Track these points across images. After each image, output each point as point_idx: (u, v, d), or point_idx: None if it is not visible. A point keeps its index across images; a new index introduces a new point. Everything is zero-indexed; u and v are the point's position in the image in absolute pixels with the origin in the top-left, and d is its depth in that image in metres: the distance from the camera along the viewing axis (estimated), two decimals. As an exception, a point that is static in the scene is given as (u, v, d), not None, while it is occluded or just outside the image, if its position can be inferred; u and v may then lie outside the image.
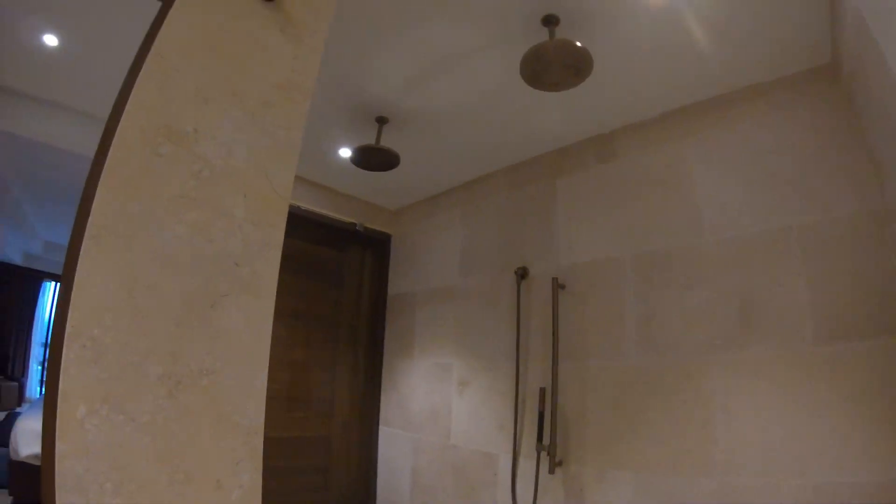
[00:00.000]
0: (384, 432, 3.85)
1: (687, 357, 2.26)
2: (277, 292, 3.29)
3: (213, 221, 1.03)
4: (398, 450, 3.69)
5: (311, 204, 3.57)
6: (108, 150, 0.91)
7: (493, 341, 3.05)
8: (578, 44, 1.87)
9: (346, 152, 3.02)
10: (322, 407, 3.72)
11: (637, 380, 2.39)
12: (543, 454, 2.61)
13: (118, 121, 0.93)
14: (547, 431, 2.60)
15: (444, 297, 3.42)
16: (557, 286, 2.66)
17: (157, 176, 0.97)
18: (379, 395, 3.90)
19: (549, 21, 1.95)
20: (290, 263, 3.48)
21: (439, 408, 3.35)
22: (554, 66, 1.94)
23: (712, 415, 2.15)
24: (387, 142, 2.71)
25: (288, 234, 3.22)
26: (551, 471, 2.55)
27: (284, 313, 3.46)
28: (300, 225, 3.58)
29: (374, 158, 2.69)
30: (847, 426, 1.86)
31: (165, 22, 1.01)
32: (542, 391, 2.64)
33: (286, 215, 1.14)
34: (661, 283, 2.38)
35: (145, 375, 0.91)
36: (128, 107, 0.95)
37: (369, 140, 2.71)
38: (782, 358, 2.02)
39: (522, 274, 2.90)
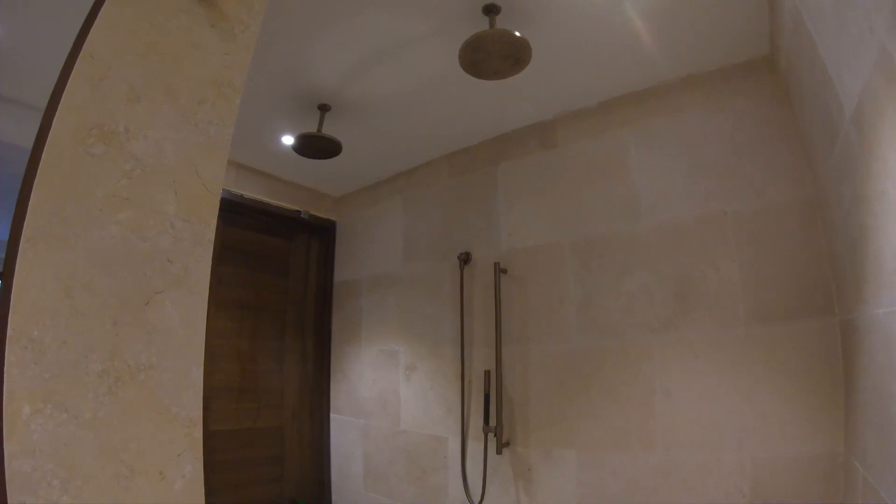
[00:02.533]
0: (335, 420, 3.86)
1: (626, 339, 2.34)
2: (224, 284, 3.26)
3: (146, 219, 1.04)
4: (349, 437, 3.71)
5: (256, 192, 3.53)
6: (41, 151, 0.91)
7: (438, 326, 3.09)
8: (517, 34, 1.89)
9: (288, 140, 3.00)
10: (272, 397, 3.70)
11: (579, 362, 2.47)
12: (491, 436, 2.67)
13: (51, 121, 0.93)
14: (493, 413, 2.67)
15: (388, 284, 3.44)
16: (499, 271, 2.71)
17: (90, 176, 0.97)
18: (328, 383, 3.91)
19: (490, 10, 1.97)
20: (236, 254, 3.47)
21: (388, 394, 3.39)
22: (493, 55, 1.96)
23: (652, 394, 2.24)
24: (329, 129, 2.70)
25: (233, 223, 3.21)
26: (499, 451, 2.61)
27: (230, 304, 3.43)
28: (245, 214, 3.54)
29: (316, 146, 2.67)
30: (782, 402, 1.96)
31: (96, 21, 1.00)
32: (487, 374, 2.70)
33: (217, 210, 1.15)
34: (601, 267, 2.46)
35: (86, 373, 0.92)
36: (60, 108, 0.95)
37: (312, 128, 2.69)
38: (718, 338, 2.11)
39: (465, 259, 2.94)
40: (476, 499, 2.77)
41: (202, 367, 1.09)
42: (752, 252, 2.08)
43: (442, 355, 3.06)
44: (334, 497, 3.88)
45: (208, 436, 3.16)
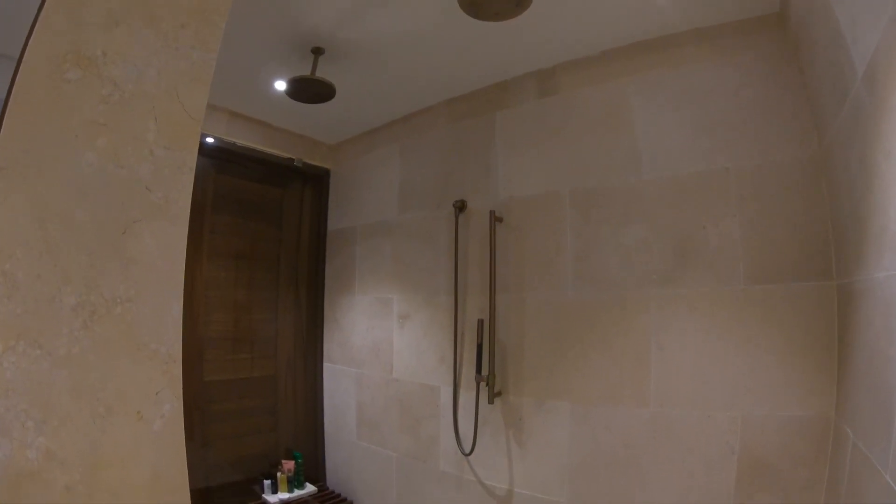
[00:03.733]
0: (328, 369, 3.87)
1: (623, 291, 2.32)
2: (217, 233, 3.21)
3: (124, 146, 0.99)
4: (343, 386, 3.73)
5: (249, 140, 3.46)
6: (14, 78, 0.87)
7: (433, 275, 3.07)
8: (519, -30, 1.82)
9: (281, 85, 2.91)
10: (266, 347, 3.71)
11: (574, 313, 2.45)
12: (483, 385, 2.67)
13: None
14: (486, 363, 2.66)
15: (383, 232, 3.41)
16: (495, 219, 2.68)
17: (66, 102, 0.93)
18: (322, 332, 3.91)
19: (492, -53, 1.88)
20: (228, 203, 3.43)
21: (381, 342, 3.39)
22: (494, -6, 1.89)
23: (647, 348, 2.23)
24: (323, 74, 2.63)
25: (225, 171, 3.15)
26: (490, 401, 2.62)
27: (224, 254, 3.41)
28: (238, 162, 3.49)
29: (309, 90, 2.60)
30: (776, 363, 1.96)
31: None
32: (480, 323, 2.69)
33: (199, 138, 1.11)
34: (599, 218, 2.42)
35: (60, 308, 0.88)
36: (34, 34, 0.90)
37: (305, 73, 2.62)
38: (715, 295, 2.09)
39: (461, 207, 2.90)
40: (467, 448, 2.79)
41: (182, 300, 1.05)
42: (754, 210, 2.04)
43: (436, 304, 3.05)
44: (328, 447, 3.92)
45: (203, 386, 3.21)
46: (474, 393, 2.74)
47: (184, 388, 2.97)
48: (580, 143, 2.53)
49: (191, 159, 1.09)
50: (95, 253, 0.94)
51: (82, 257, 0.92)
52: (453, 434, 2.88)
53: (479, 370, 2.69)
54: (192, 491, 2.94)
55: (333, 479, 3.87)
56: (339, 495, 3.68)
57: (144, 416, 0.99)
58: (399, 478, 3.30)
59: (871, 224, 1.36)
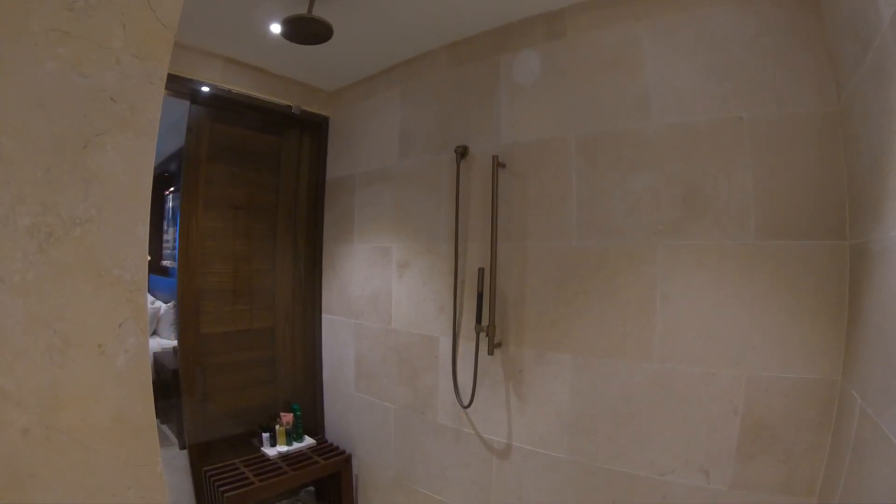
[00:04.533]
0: (327, 320, 3.83)
1: (629, 241, 2.23)
2: (213, 183, 3.12)
3: (87, 54, 0.89)
4: (341, 337, 3.69)
5: (244, 87, 3.35)
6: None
7: (433, 223, 2.99)
8: None
9: (277, 28, 2.80)
10: (264, 298, 3.66)
11: (578, 262, 2.38)
12: (482, 335, 2.62)
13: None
14: (486, 313, 2.60)
15: (383, 179, 3.31)
16: (497, 165, 2.58)
17: (25, 9, 0.84)
18: (320, 282, 3.85)
19: None
20: (224, 152, 3.34)
21: (380, 292, 3.32)
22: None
23: (652, 300, 2.16)
24: (321, 14, 2.51)
25: (220, 120, 3.06)
26: (490, 352, 2.57)
27: (221, 204, 3.35)
28: (233, 110, 3.38)
29: (305, 30, 2.48)
30: (785, 323, 1.89)
31: None
32: (481, 272, 2.62)
33: (171, 48, 1.01)
34: (606, 165, 2.32)
35: (13, 229, 0.80)
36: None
37: (302, 11, 2.50)
38: (725, 248, 2.00)
39: (462, 153, 2.80)
40: (466, 400, 2.75)
41: (148, 223, 0.96)
42: (767, 163, 1.94)
43: (436, 252, 2.97)
44: (326, 399, 3.90)
45: (201, 339, 3.17)
46: (474, 344, 2.68)
47: (182, 341, 2.96)
48: (587, 88, 2.41)
49: (161, 70, 0.99)
50: (53, 169, 0.85)
51: (38, 173, 0.83)
52: (452, 386, 2.84)
53: (479, 320, 2.63)
54: (190, 446, 2.94)
55: (332, 432, 3.87)
56: (337, 448, 3.67)
57: (106, 351, 0.91)
58: (397, 430, 3.28)
59: (891, 181, 1.28)
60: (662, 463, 2.15)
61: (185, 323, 3.29)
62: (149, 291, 6.80)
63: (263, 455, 3.48)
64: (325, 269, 3.81)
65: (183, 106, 3.20)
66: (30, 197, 0.82)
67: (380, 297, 3.32)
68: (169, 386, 5.09)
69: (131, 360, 0.94)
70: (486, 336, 2.57)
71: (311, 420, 3.90)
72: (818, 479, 1.82)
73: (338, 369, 3.75)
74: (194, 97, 3.17)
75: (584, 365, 2.36)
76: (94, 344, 0.90)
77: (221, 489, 3.04)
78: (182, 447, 3.46)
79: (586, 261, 2.35)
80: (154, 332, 6.42)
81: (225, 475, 3.21)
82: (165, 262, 7.05)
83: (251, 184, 3.55)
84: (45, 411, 0.83)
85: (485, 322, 2.59)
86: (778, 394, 1.90)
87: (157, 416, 5.39)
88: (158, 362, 5.56)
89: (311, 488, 3.86)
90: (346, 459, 3.59)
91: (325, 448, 3.66)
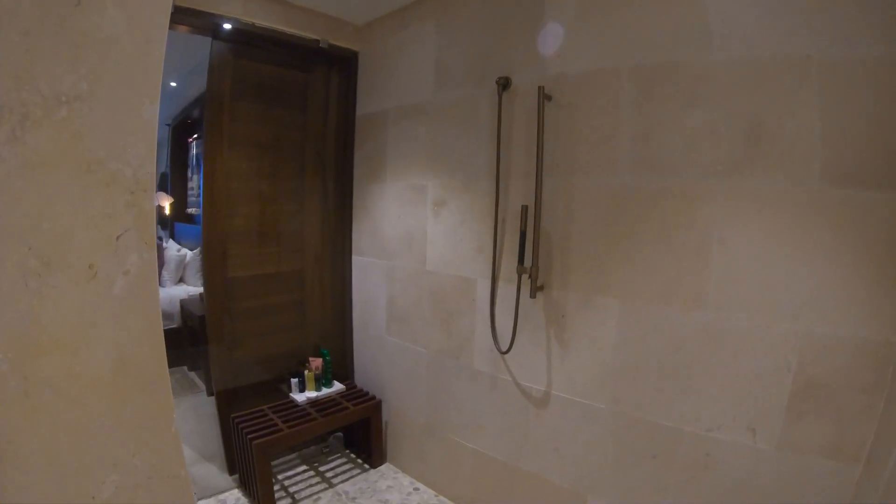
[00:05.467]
0: (357, 262, 3.69)
1: (685, 180, 2.02)
2: (238, 121, 2.90)
3: None
4: (372, 280, 3.55)
5: (268, 21, 3.14)
6: None
7: (471, 158, 2.79)
8: None
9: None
10: (293, 240, 3.54)
11: (629, 201, 2.17)
12: (524, 277, 2.45)
13: None
14: (529, 253, 2.42)
15: (416, 114, 3.10)
16: (544, 96, 2.36)
17: None
18: (350, 223, 3.70)
19: None
20: (248, 89, 3.15)
21: (414, 232, 3.16)
22: None
23: (708, 245, 1.97)
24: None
25: (244, 55, 2.86)
26: (532, 295, 2.40)
27: (246, 143, 3.20)
28: (257, 45, 3.18)
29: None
30: (846, 277, 1.72)
31: None
32: (524, 209, 2.43)
33: None
34: (662, 98, 2.08)
35: (-23, 110, 0.59)
36: None
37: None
38: (787, 193, 1.80)
39: (504, 84, 2.57)
40: (504, 345, 2.60)
41: (158, 101, 0.75)
42: (836, 105, 1.71)
43: (475, 189, 2.79)
44: (356, 344, 3.80)
45: (228, 283, 3.22)
46: (514, 286, 2.52)
47: (208, 286, 2.78)
48: (643, 15, 2.15)
49: None
50: (34, 31, 0.64)
51: (14, 38, 0.62)
52: (489, 330, 2.69)
53: (521, 261, 2.45)
54: (218, 393, 2.83)
55: (362, 377, 3.79)
56: (367, 393, 3.58)
57: (99, 273, 0.70)
58: (429, 375, 3.17)
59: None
60: (708, 418, 2.02)
61: (211, 267, 3.18)
62: (175, 240, 6.77)
63: (292, 401, 3.40)
64: (356, 209, 3.66)
65: (205, 47, 3.03)
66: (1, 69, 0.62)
67: (414, 237, 3.16)
68: (196, 333, 5.06)
69: (133, 285, 0.73)
70: (529, 278, 2.40)
71: (340, 365, 3.81)
72: (866, 445, 1.71)
73: (369, 313, 3.63)
74: (216, 33, 2.99)
75: (632, 311, 2.19)
76: (83, 264, 0.69)
77: (249, 436, 2.97)
78: (210, 394, 3.39)
79: (638, 200, 2.15)
80: (181, 280, 6.38)
81: (253, 422, 3.14)
82: (191, 210, 6.97)
83: (277, 122, 3.37)
84: (20, 358, 0.64)
85: (527, 263, 2.42)
86: (833, 352, 1.75)
87: (185, 364, 5.42)
88: (186, 309, 5.53)
89: (340, 434, 3.81)
90: (376, 405, 3.50)
91: (354, 394, 3.57)
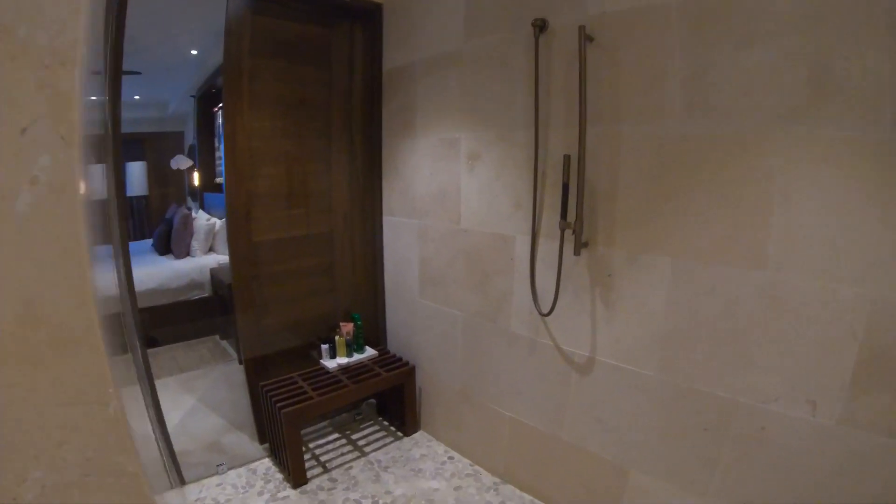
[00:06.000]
0: (388, 222, 3.54)
1: (742, 126, 1.80)
2: (258, 79, 2.80)
3: None
4: (404, 240, 3.40)
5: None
6: None
7: (507, 108, 2.59)
8: None
9: None
10: (320, 201, 3.40)
11: (681, 149, 1.97)
12: (568, 233, 2.27)
13: None
14: (572, 207, 2.24)
15: (447, 65, 2.90)
16: (585, 38, 2.14)
17: None
18: (380, 182, 3.54)
19: None
20: (268, 46, 2.94)
21: (447, 188, 2.99)
22: None
23: (768, 198, 1.75)
24: None
25: (263, 12, 2.65)
26: (576, 252, 2.22)
27: (268, 102, 3.06)
28: (276, 0, 3.02)
29: None
30: None
31: None
32: (567, 159, 2.24)
33: None
34: (716, 36, 1.85)
35: None
36: None
37: None
38: (857, 143, 1.58)
39: (541, 27, 2.36)
40: (545, 307, 2.43)
41: None
42: None
43: (511, 141, 2.59)
44: (388, 307, 3.68)
45: (253, 247, 3.13)
46: (556, 243, 2.34)
47: (233, 251, 2.59)
48: None
49: None
50: None
51: None
52: (529, 291, 2.53)
53: (563, 215, 2.27)
54: (246, 360, 2.74)
55: (394, 342, 3.68)
56: (400, 359, 3.47)
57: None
58: (465, 339, 3.03)
59: None
60: (765, 389, 1.84)
61: (235, 231, 3.07)
62: (204, 209, 6.73)
63: (323, 368, 3.31)
64: (386, 168, 3.49)
65: (222, 6, 2.88)
66: None
67: (447, 194, 2.99)
68: (226, 301, 5.01)
69: (44, 199, 0.53)
70: (573, 234, 2.22)
71: (372, 330, 3.71)
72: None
73: (401, 275, 3.50)
74: (233, -11, 2.85)
75: (685, 270, 2.00)
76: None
77: (277, 404, 2.89)
78: (241, 362, 3.32)
79: (691, 148, 1.95)
80: (211, 249, 6.34)
81: (281, 390, 3.07)
82: (219, 180, 6.92)
83: (300, 80, 3.21)
84: None
85: (570, 218, 2.24)
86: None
87: (217, 333, 5.38)
88: (216, 278, 5.50)
89: (373, 401, 3.72)
90: (410, 371, 3.39)
91: (387, 359, 3.47)
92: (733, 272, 1.86)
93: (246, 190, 3.05)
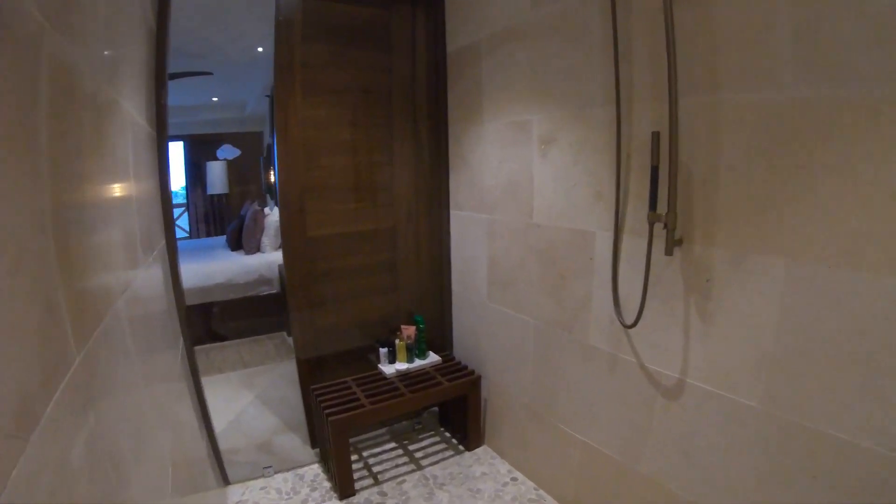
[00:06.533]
0: (455, 217, 3.26)
1: (876, 89, 1.35)
2: (311, 66, 2.68)
3: None
4: (472, 237, 3.11)
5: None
6: None
7: (583, 82, 2.23)
8: None
9: None
10: (381, 194, 3.16)
11: (797, 120, 1.54)
12: (658, 228, 1.89)
13: None
14: (663, 197, 1.86)
15: (513, 39, 2.57)
16: (673, -7, 1.76)
17: None
18: (447, 173, 3.26)
19: None
20: (323, 31, 2.53)
21: (518, 178, 2.65)
22: None
23: None
24: None
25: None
26: (668, 252, 1.83)
27: (323, 90, 2.87)
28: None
29: None
30: None
31: None
32: (656, 137, 1.86)
33: None
34: None
35: None
36: None
37: None
38: None
39: (621, -14, 1.99)
40: (629, 317, 2.06)
41: None
42: None
43: (589, 120, 2.24)
44: (455, 309, 3.42)
45: (307, 243, 2.96)
46: (644, 241, 1.96)
47: (286, 247, 2.29)
48: None
49: None
50: None
51: None
52: (610, 297, 2.17)
53: (652, 206, 1.90)
54: (300, 361, 2.39)
55: (460, 349, 3.40)
56: (465, 367, 3.19)
57: None
58: (536, 350, 2.71)
59: None
60: None
61: (289, 225, 2.89)
62: (278, 206, 6.71)
63: (380, 373, 3.09)
64: (452, 157, 3.20)
65: None
66: None
67: (518, 184, 2.66)
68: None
69: None
70: (664, 229, 1.84)
71: (436, 334, 3.46)
72: None
73: (469, 275, 3.20)
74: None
75: (803, 276, 1.56)
76: None
77: (326, 411, 2.67)
78: (300, 362, 3.18)
79: (809, 118, 1.51)
80: (280, 246, 6.32)
81: (333, 395, 2.87)
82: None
83: (357, 64, 2.98)
84: None
85: (661, 209, 1.87)
86: None
87: (285, 329, 5.28)
88: (283, 275, 5.42)
89: (435, 408, 3.50)
90: (475, 381, 3.10)
91: (450, 367, 3.20)
92: (866, 280, 1.41)
93: (300, 183, 2.86)
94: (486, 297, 3.02)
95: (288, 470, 3.00)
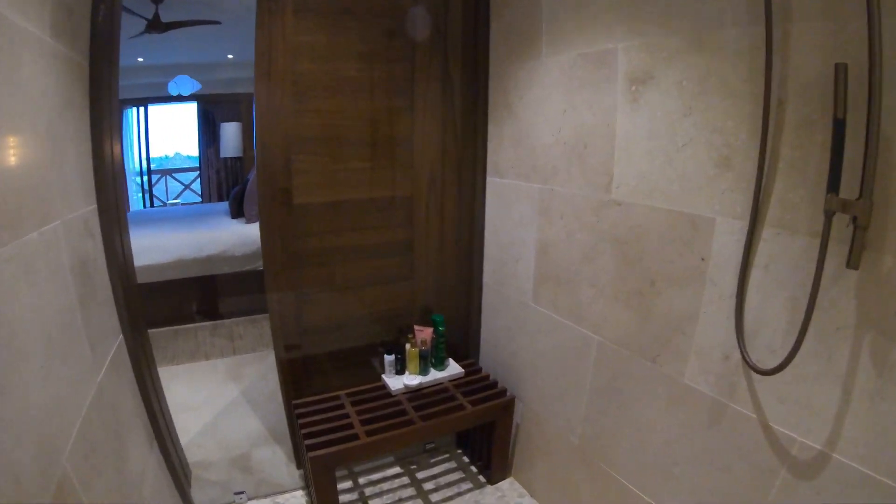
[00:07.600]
0: (493, 186, 2.55)
1: None
2: None
3: None
4: (516, 213, 2.40)
5: None
6: None
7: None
8: None
9: None
10: (396, 153, 2.45)
11: None
12: (838, 221, 1.14)
13: None
14: (849, 172, 1.12)
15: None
16: None
17: None
18: (485, 127, 2.54)
19: None
20: None
21: (591, 135, 1.90)
22: None
23: None
24: None
25: None
26: (853, 263, 1.09)
27: (320, 9, 2.18)
28: None
29: None
30: None
31: None
32: (842, 71, 1.09)
33: None
34: None
35: None
36: None
37: None
38: None
39: None
40: (765, 356, 1.35)
41: None
42: None
43: (713, 46, 1.47)
44: (485, 308, 2.74)
45: (293, 212, 2.35)
46: (805, 240, 1.24)
47: (264, 216, 2.28)
48: None
49: None
50: None
51: None
52: (729, 319, 1.44)
53: (832, 187, 1.14)
54: (281, 363, 2.38)
55: (488, 358, 2.76)
56: (493, 383, 2.56)
57: None
58: (597, 375, 2.02)
59: None
60: None
61: (268, 188, 2.22)
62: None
63: (382, 386, 2.47)
64: (493, 106, 2.47)
65: None
66: None
67: (590, 143, 1.91)
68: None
69: None
70: (851, 224, 1.09)
71: (458, 337, 2.82)
72: None
73: (507, 265, 2.53)
74: None
75: None
76: None
77: (307, 441, 2.09)
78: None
79: None
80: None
81: (318, 416, 2.27)
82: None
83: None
84: None
85: (846, 193, 1.12)
86: None
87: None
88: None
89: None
90: (507, 405, 2.45)
91: (475, 382, 2.56)
92: None
93: (285, 131, 2.18)
94: (531, 297, 2.33)
95: (265, 496, 2.48)
